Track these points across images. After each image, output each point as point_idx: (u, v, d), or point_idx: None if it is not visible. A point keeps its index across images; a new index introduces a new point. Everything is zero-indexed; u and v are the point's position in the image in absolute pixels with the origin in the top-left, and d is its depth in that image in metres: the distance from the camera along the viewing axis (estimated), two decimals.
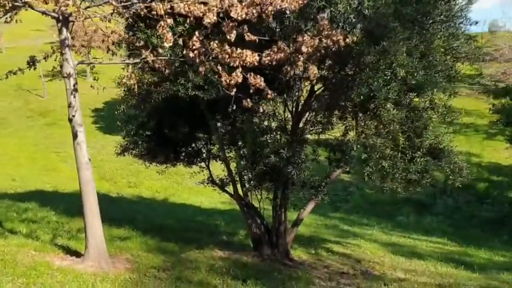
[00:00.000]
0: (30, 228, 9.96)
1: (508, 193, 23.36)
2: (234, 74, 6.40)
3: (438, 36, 8.13)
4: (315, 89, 9.20)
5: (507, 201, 22.77)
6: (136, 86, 8.16)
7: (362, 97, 6.96)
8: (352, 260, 11.31)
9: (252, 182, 9.24)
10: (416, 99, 9.14)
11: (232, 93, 6.57)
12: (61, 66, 9.15)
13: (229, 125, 10.38)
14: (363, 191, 24.15)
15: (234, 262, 8.92)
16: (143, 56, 7.25)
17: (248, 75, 6.49)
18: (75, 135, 7.29)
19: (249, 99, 7.06)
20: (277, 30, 8.87)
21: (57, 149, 28.83)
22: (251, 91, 6.85)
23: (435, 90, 7.99)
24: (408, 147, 9.44)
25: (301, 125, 9.11)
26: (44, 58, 8.70)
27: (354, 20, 6.87)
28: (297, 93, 9.68)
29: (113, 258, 7.86)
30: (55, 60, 8.95)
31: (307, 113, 9.03)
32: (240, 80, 6.39)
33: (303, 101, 9.69)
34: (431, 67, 7.69)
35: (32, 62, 8.57)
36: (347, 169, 9.26)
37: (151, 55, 7.37)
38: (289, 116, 9.89)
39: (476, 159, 27.10)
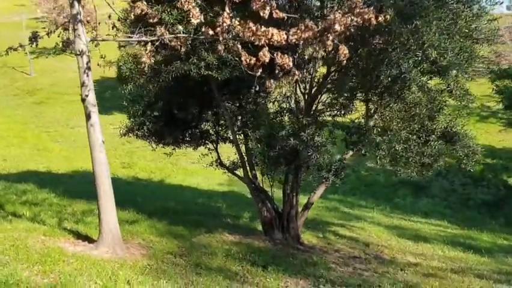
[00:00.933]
0: (33, 211, 9.61)
1: (502, 176, 23.51)
2: (261, 53, 6.06)
3: (462, 16, 7.88)
4: (332, 70, 8.93)
5: (502, 184, 22.93)
6: (147, 64, 7.77)
7: (389, 78, 6.70)
8: (360, 243, 11.22)
9: (265, 166, 8.97)
10: (432, 82, 8.95)
11: (258, 74, 6.24)
12: (63, 43, 8.71)
13: (240, 107, 10.09)
14: (358, 173, 24.10)
15: (248, 247, 8.72)
16: (160, 34, 6.87)
17: (275, 55, 6.16)
18: (88, 116, 6.92)
19: (272, 80, 6.77)
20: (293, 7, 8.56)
21: (48, 128, 28.17)
22: (277, 71, 6.57)
23: (459, 72, 7.75)
24: (422, 131, 9.29)
25: (315, 106, 8.85)
26: (47, 34, 8.25)
27: None
28: (311, 74, 9.41)
29: (126, 243, 7.59)
30: (58, 36, 8.53)
31: (324, 94, 8.75)
32: (267, 60, 6.06)
33: (316, 82, 9.44)
34: (457, 48, 7.44)
35: (34, 38, 8.13)
36: (363, 152, 9.06)
37: (167, 32, 6.99)
38: (302, 97, 9.63)
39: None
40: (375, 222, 14.82)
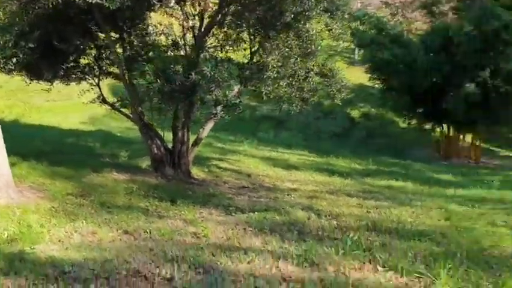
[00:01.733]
0: None
1: (347, 110, 26.43)
2: None
3: None
4: (224, 4, 8.91)
5: (346, 117, 25.90)
6: None
7: (292, 15, 7.01)
8: (243, 174, 11.90)
9: (161, 101, 8.78)
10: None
11: (172, 4, 6.04)
12: None
13: (121, 38, 9.52)
14: None
15: (144, 184, 8.68)
16: None
17: None
18: None
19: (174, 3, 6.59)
20: None
21: None
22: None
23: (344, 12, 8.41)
24: (302, 68, 10.01)
25: (211, 41, 8.85)
26: None
27: None
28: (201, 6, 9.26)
29: (17, 187, 6.97)
30: None
31: (219, 29, 8.76)
32: None
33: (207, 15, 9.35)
34: None
35: None
36: (254, 88, 9.44)
37: None
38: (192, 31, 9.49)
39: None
40: (248, 154, 15.67)
